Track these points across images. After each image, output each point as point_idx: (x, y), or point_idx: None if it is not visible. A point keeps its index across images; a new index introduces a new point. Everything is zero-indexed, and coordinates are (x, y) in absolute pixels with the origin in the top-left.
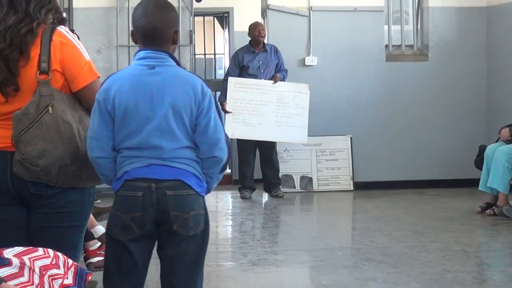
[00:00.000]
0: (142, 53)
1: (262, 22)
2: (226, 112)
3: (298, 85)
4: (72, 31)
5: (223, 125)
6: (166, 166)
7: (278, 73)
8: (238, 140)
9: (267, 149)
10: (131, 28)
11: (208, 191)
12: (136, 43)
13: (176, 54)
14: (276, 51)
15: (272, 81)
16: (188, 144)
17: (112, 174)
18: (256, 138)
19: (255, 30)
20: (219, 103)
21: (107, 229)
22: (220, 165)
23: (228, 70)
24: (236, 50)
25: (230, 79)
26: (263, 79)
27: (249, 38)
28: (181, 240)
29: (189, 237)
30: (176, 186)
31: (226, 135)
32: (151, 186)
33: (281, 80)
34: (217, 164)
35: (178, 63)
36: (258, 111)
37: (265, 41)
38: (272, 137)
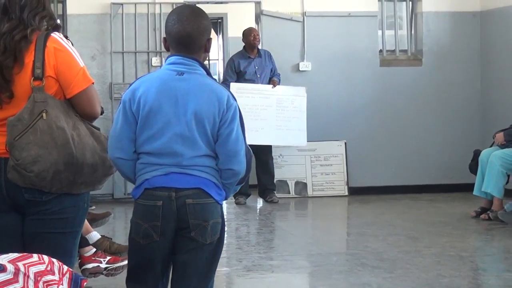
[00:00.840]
0: (173, 59)
1: (256, 28)
2: None
3: (296, 88)
4: (66, 37)
5: (245, 139)
6: (185, 174)
7: (273, 77)
8: None
9: (263, 155)
10: (131, 35)
11: (225, 198)
12: (167, 49)
13: None
14: (269, 56)
15: (271, 86)
16: (209, 152)
17: (132, 175)
18: (258, 143)
19: (250, 36)
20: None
21: (130, 235)
22: (237, 178)
23: (224, 76)
24: (230, 55)
25: (232, 85)
26: (260, 84)
27: (243, 44)
28: (196, 247)
29: (205, 244)
30: (196, 195)
31: (248, 150)
32: (171, 195)
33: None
34: (234, 177)
35: (208, 73)
36: (259, 115)
37: (259, 46)
38: (273, 141)
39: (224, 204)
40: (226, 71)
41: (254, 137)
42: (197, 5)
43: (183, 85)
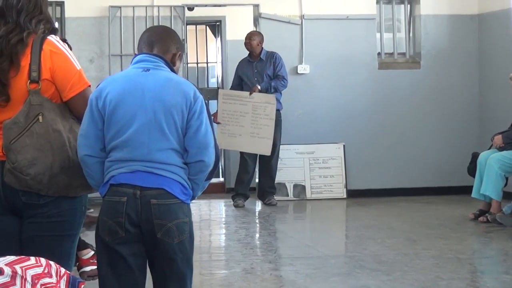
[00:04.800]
0: (138, 57)
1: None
2: (217, 123)
3: (267, 96)
4: (65, 40)
5: (213, 132)
6: (151, 174)
7: (272, 80)
8: None
9: (268, 157)
10: (129, 37)
11: (192, 198)
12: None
13: None
14: (272, 58)
15: (249, 92)
16: (176, 146)
17: (100, 176)
18: (237, 149)
19: (244, 40)
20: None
21: (96, 235)
22: (206, 171)
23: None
24: (228, 59)
25: (220, 91)
26: (241, 91)
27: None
28: (167, 248)
29: (174, 245)
30: (160, 195)
31: (216, 144)
32: (135, 193)
33: (273, 89)
34: (203, 170)
35: (172, 70)
36: (238, 122)
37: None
38: (247, 148)
39: (223, 207)
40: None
41: (232, 143)
42: (195, 7)
43: (149, 79)
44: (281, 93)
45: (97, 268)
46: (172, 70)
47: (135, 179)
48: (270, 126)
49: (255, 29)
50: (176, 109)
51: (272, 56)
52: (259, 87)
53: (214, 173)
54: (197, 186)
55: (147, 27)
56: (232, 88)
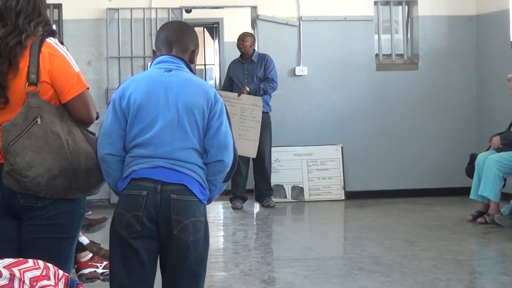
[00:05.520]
0: (160, 58)
1: (252, 32)
2: None
3: (254, 98)
4: (61, 43)
5: (232, 134)
6: (172, 170)
7: (262, 82)
8: None
9: (260, 159)
10: (127, 40)
11: (209, 200)
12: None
13: None
14: (263, 60)
15: (237, 94)
16: (197, 146)
17: (118, 175)
18: None
19: (237, 41)
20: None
21: (111, 228)
22: (225, 171)
23: (223, 82)
24: (226, 60)
25: None
26: (230, 92)
27: None
28: (182, 245)
29: (189, 242)
30: (181, 191)
31: (234, 145)
32: (156, 187)
33: (262, 91)
34: (222, 170)
35: (193, 72)
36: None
37: (258, 51)
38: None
39: (221, 209)
40: (225, 78)
41: None
42: (193, 9)
43: (172, 80)
44: (270, 96)
45: (109, 261)
46: (191, 70)
47: (156, 174)
48: (256, 128)
49: (252, 31)
50: (198, 109)
51: (264, 59)
52: (247, 89)
53: (231, 175)
54: (214, 187)
55: (145, 29)
56: (223, 89)
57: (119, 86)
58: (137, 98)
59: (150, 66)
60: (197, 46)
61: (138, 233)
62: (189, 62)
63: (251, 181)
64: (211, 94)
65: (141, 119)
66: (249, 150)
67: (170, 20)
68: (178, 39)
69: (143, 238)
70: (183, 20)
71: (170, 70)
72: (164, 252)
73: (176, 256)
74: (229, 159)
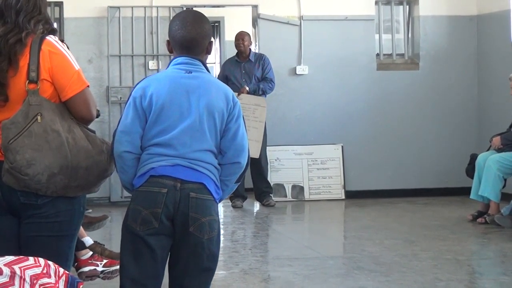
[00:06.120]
0: (180, 59)
1: (253, 32)
2: None
3: (257, 98)
4: (62, 41)
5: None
6: (191, 169)
7: (261, 82)
8: None
9: (257, 159)
10: (128, 38)
11: (220, 199)
12: (171, 52)
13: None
14: (261, 60)
15: (237, 93)
16: (213, 148)
17: (133, 173)
18: None
19: (236, 40)
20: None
21: (124, 223)
22: (239, 173)
23: None
24: (226, 59)
25: None
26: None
27: None
28: (196, 242)
29: (204, 240)
30: (199, 190)
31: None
32: (176, 185)
33: (261, 91)
34: (237, 171)
35: (208, 72)
36: None
37: (255, 51)
38: None
39: (221, 207)
40: (217, 76)
41: None
42: (194, 8)
43: (193, 82)
44: (265, 96)
45: (120, 257)
46: (207, 70)
47: (176, 172)
48: (259, 128)
49: (253, 30)
50: (218, 112)
51: (261, 58)
52: (247, 88)
53: (243, 176)
54: (226, 187)
55: (146, 27)
56: None
57: (137, 84)
58: (159, 98)
59: (168, 66)
60: (211, 36)
61: (155, 229)
62: (206, 53)
63: (250, 180)
64: (230, 97)
65: (163, 119)
66: (251, 150)
67: (169, 19)
68: (196, 41)
69: (158, 235)
70: None
71: (191, 72)
72: (176, 249)
73: (189, 253)
74: (245, 161)
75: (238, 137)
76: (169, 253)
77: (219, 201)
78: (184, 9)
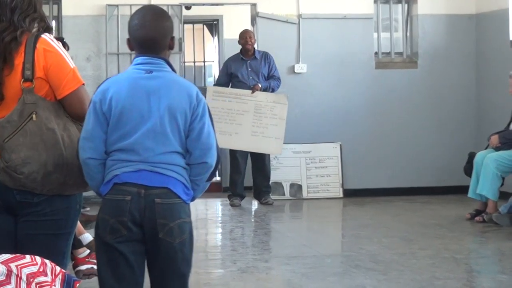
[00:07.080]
0: (139, 59)
1: (252, 30)
2: None
3: (277, 95)
4: (62, 39)
5: (214, 133)
6: (155, 173)
7: (269, 80)
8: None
9: (260, 156)
10: (126, 36)
11: (192, 199)
12: (132, 50)
13: None
14: (266, 58)
15: (251, 91)
16: (179, 149)
17: (101, 178)
18: (231, 147)
19: (242, 39)
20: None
21: (96, 234)
22: (209, 172)
23: (218, 78)
24: (226, 57)
25: (208, 88)
26: (240, 89)
27: (240, 46)
28: (169, 248)
29: (175, 244)
30: (164, 194)
31: (217, 144)
32: (140, 192)
33: (271, 89)
34: (206, 171)
35: (173, 70)
36: (235, 120)
37: (257, 48)
38: (246, 147)
39: (219, 206)
40: (219, 73)
41: (226, 141)
42: (192, 6)
43: (153, 83)
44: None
45: (97, 268)
46: (172, 68)
47: (139, 178)
48: (279, 125)
49: (252, 28)
50: (180, 113)
51: (267, 56)
52: (260, 85)
53: (215, 174)
54: (197, 187)
55: None
56: (219, 85)
57: (98, 88)
58: (118, 102)
59: (131, 65)
60: (172, 31)
61: (124, 237)
62: (169, 49)
63: (249, 178)
64: (193, 96)
65: (124, 124)
66: (270, 147)
67: None
68: (156, 40)
69: (129, 242)
70: (182, 17)
71: (151, 72)
72: (151, 255)
73: (163, 258)
74: (212, 161)
75: (203, 136)
76: (146, 258)
77: (191, 201)
78: (183, 7)
